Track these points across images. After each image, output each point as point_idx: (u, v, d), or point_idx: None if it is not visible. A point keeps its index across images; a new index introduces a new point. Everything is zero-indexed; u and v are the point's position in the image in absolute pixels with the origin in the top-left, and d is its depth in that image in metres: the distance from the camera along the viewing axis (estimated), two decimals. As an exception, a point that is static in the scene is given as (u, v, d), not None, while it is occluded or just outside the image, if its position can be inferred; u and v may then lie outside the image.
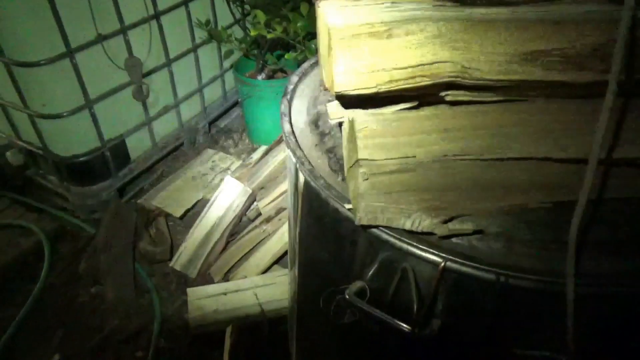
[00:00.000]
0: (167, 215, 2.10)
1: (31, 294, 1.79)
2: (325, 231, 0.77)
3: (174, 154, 2.38)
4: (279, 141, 2.05)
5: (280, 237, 1.86)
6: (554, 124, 0.58)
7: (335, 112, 0.67)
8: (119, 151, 2.08)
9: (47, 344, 1.67)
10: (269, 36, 1.96)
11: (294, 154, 0.75)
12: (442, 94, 0.63)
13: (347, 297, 0.67)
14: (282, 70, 2.36)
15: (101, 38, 1.79)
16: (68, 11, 1.66)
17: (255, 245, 1.90)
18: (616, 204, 0.64)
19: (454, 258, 0.59)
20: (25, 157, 2.04)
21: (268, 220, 1.92)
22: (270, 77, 2.34)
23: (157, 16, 2.01)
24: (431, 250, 0.60)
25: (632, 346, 0.65)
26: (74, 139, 1.92)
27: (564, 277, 0.55)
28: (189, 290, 1.76)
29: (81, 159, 1.95)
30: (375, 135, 0.58)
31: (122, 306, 1.77)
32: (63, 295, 1.82)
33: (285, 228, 1.86)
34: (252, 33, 2.03)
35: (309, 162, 0.73)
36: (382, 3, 0.61)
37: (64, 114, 1.81)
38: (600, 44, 0.55)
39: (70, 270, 1.91)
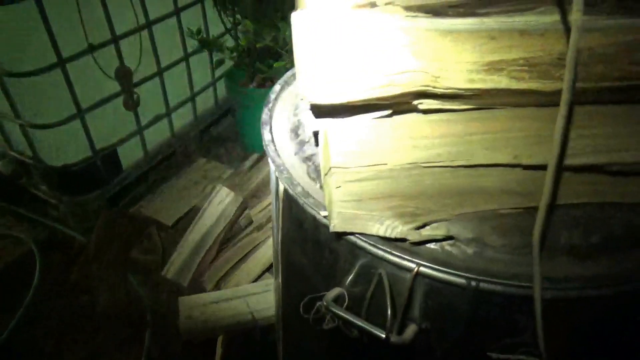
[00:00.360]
0: (159, 224, 2.10)
1: (22, 304, 1.78)
2: (305, 238, 0.77)
3: (166, 163, 2.38)
4: (270, 149, 2.06)
5: (271, 245, 1.87)
6: (522, 131, 0.60)
7: (312, 120, 0.68)
8: (110, 160, 2.09)
9: (39, 353, 1.67)
10: (257, 45, 1.98)
11: (273, 162, 0.76)
12: (415, 102, 0.64)
13: (324, 303, 0.68)
14: (272, 80, 2.38)
15: (92, 48, 1.80)
16: (59, 21, 1.67)
17: (247, 253, 1.90)
18: (588, 209, 0.65)
19: (427, 263, 0.60)
20: (17, 167, 2.04)
21: (259, 228, 1.92)
22: (261, 85, 2.35)
23: (148, 25, 2.02)
24: (404, 256, 0.61)
25: (603, 349, 0.66)
26: (65, 148, 1.92)
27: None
28: (181, 299, 1.75)
29: (73, 168, 1.95)
30: (348, 143, 0.59)
31: (114, 315, 1.77)
32: (55, 305, 1.82)
33: (276, 235, 1.87)
34: (242, 42, 2.05)
35: (288, 170, 0.74)
36: (354, 14, 0.63)
37: (55, 124, 1.82)
38: (565, 53, 0.56)
39: (62, 279, 1.91)
